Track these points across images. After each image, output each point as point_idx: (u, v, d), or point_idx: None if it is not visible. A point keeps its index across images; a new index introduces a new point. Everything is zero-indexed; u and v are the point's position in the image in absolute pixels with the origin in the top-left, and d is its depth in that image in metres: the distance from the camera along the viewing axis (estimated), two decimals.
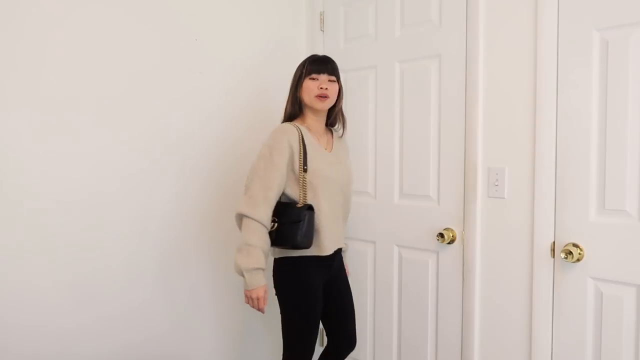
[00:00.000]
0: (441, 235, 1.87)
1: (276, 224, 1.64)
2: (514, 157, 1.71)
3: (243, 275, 1.61)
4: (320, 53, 2.34)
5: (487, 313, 1.80)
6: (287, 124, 1.72)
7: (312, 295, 1.70)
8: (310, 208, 1.66)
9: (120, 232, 1.87)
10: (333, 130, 1.89)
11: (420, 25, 1.99)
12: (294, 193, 1.68)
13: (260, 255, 1.59)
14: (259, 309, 1.66)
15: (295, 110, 1.77)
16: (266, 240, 1.62)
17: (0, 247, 1.62)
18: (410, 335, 2.06)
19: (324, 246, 1.69)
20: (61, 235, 1.73)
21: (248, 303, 1.66)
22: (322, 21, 2.38)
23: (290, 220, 1.62)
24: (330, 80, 1.73)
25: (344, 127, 1.89)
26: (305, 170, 1.66)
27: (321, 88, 1.70)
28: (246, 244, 1.60)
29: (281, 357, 1.77)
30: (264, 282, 1.63)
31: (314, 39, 2.40)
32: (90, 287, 1.80)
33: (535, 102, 1.65)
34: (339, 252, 1.84)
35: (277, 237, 1.65)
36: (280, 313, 1.74)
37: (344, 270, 1.92)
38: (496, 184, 1.76)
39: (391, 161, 2.09)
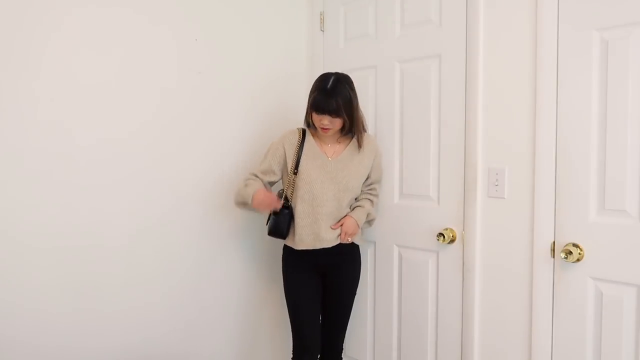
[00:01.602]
0: (441, 235, 1.87)
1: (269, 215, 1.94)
2: (514, 157, 1.71)
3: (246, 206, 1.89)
4: (320, 54, 2.35)
5: (487, 313, 1.80)
6: (293, 129, 1.95)
7: (292, 280, 1.95)
8: (284, 206, 1.88)
9: (121, 232, 1.87)
10: (355, 139, 1.92)
11: (420, 25, 1.99)
12: (285, 190, 1.93)
13: (241, 188, 1.89)
14: (269, 206, 1.86)
15: (307, 124, 1.94)
16: (250, 180, 1.91)
17: (1, 247, 1.62)
18: (410, 335, 2.06)
19: (295, 241, 1.89)
20: (61, 235, 1.73)
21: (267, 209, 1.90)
22: (322, 21, 2.38)
23: (272, 212, 1.92)
24: (333, 116, 1.80)
25: (359, 137, 1.91)
26: (295, 173, 1.87)
27: (322, 124, 1.82)
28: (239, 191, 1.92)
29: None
30: (251, 192, 1.84)
31: (314, 39, 2.40)
32: (90, 287, 1.80)
33: (535, 102, 1.65)
34: (333, 249, 1.89)
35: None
36: None
37: (347, 271, 1.98)
38: (496, 184, 1.76)
39: (391, 161, 2.09)
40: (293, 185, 1.88)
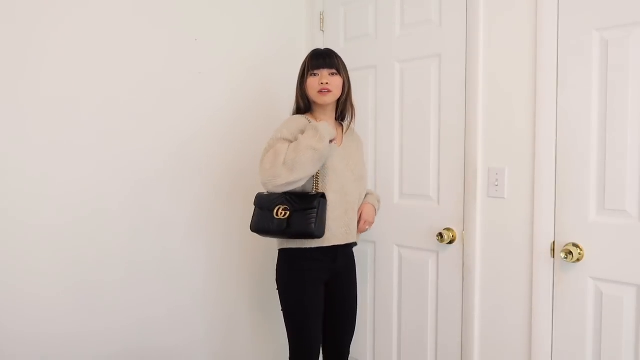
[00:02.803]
0: (441, 235, 1.87)
1: (288, 212, 1.63)
2: (514, 157, 1.71)
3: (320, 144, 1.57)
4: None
5: (487, 313, 1.80)
6: (298, 116, 1.75)
7: (307, 288, 1.71)
8: (323, 196, 1.66)
9: (120, 232, 1.87)
10: (343, 125, 1.86)
11: (420, 25, 1.99)
12: (307, 183, 1.67)
13: (293, 149, 1.57)
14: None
15: (304, 106, 1.79)
16: (284, 145, 1.61)
17: (1, 248, 1.62)
18: (410, 335, 2.06)
19: (326, 236, 1.68)
20: (61, 235, 1.73)
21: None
22: (322, 21, 2.38)
23: (303, 208, 1.62)
24: (331, 74, 1.72)
25: (352, 119, 1.84)
26: None
27: (322, 83, 1.70)
28: (297, 155, 1.56)
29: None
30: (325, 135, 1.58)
31: (314, 39, 2.40)
32: (90, 287, 1.80)
33: (535, 102, 1.65)
34: (345, 249, 1.80)
35: (291, 228, 1.62)
36: (281, 307, 1.77)
37: (351, 273, 1.87)
38: (496, 184, 1.76)
39: (391, 161, 2.09)
40: (318, 174, 1.69)
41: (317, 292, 1.74)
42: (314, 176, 1.68)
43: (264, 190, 1.69)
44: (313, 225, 1.60)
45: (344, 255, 1.80)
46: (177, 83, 1.99)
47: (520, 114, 1.69)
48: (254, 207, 1.75)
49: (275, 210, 1.65)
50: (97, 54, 1.78)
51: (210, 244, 2.14)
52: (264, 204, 1.70)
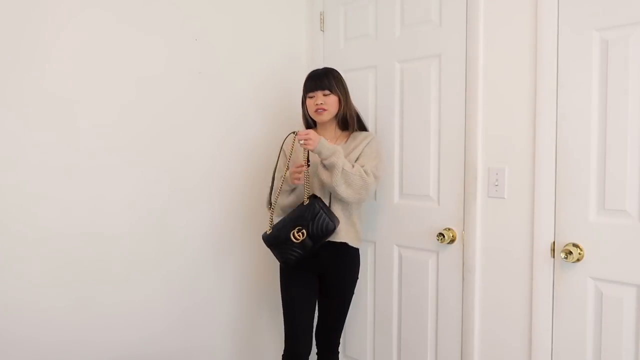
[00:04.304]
0: (441, 235, 1.87)
1: (304, 230, 1.75)
2: (514, 157, 1.71)
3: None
4: (320, 54, 2.36)
5: (487, 313, 1.80)
6: (287, 137, 1.87)
7: (290, 280, 1.90)
8: (315, 197, 1.82)
9: (121, 233, 1.87)
10: (353, 133, 1.95)
11: (420, 25, 1.99)
12: (298, 190, 1.86)
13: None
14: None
15: (308, 123, 1.98)
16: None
17: (2, 258, 1.62)
18: (410, 335, 2.06)
19: None
20: (62, 236, 1.73)
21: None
22: (322, 21, 2.38)
23: (311, 217, 1.75)
24: (325, 95, 1.86)
25: (351, 126, 1.94)
26: (308, 165, 1.80)
27: (316, 104, 1.86)
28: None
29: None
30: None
31: (314, 39, 2.40)
32: (90, 287, 1.81)
33: (535, 102, 1.65)
34: (330, 247, 1.84)
35: (315, 239, 1.75)
36: None
37: (340, 273, 1.92)
38: (496, 184, 1.76)
39: (391, 161, 2.09)
40: (308, 178, 1.79)
41: (302, 284, 1.89)
42: (304, 183, 1.79)
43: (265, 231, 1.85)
44: (330, 223, 1.75)
45: (328, 253, 1.86)
46: (180, 84, 2.00)
47: (520, 114, 1.69)
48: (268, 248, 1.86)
49: (292, 236, 1.76)
50: (100, 59, 1.79)
51: (211, 242, 2.14)
52: (275, 240, 1.80)
